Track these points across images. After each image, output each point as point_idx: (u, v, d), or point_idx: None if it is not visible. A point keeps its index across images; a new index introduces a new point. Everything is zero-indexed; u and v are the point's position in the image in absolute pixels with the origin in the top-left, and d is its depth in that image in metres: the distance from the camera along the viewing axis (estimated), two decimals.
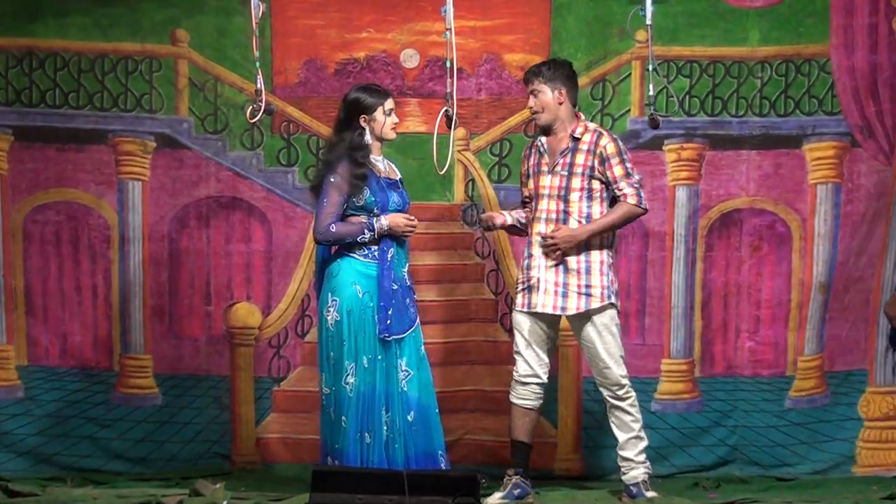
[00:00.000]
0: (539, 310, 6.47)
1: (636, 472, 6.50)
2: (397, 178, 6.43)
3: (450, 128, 6.47)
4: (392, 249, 6.26)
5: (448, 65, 6.42)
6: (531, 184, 6.55)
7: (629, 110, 7.46)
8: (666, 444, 7.40)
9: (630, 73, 7.45)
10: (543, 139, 6.55)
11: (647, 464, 6.53)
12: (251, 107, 6.42)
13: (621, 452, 6.52)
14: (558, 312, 6.47)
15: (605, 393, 6.51)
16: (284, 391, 7.53)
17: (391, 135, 6.35)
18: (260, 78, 6.42)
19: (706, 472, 7.33)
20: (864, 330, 7.48)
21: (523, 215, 6.66)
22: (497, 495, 6.52)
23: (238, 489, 6.70)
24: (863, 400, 7.48)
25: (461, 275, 7.53)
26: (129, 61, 7.47)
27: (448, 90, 6.44)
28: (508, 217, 6.64)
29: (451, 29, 6.42)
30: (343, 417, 6.16)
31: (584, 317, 6.45)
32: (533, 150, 6.59)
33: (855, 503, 6.57)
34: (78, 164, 7.47)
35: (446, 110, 6.45)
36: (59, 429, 7.40)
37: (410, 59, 7.51)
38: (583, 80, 7.39)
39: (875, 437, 7.45)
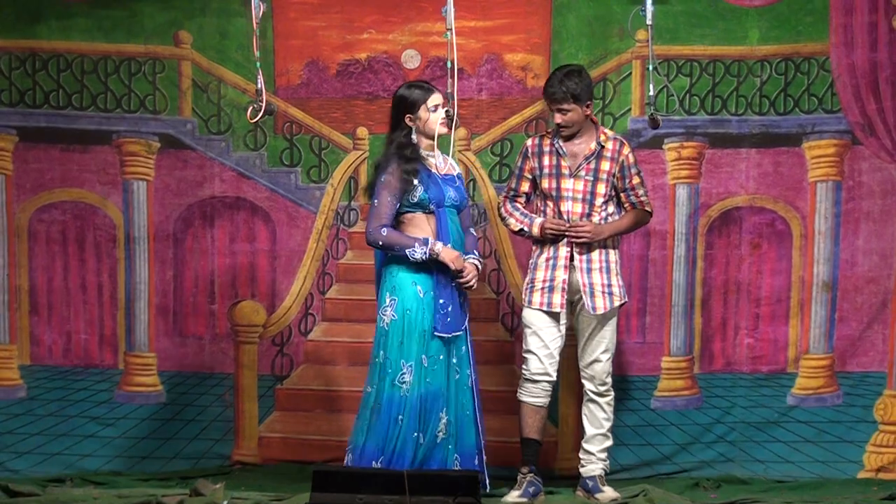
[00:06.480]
0: (558, 309, 6.53)
1: (594, 465, 6.59)
2: (455, 174, 6.47)
3: (451, 128, 6.49)
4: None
5: (449, 65, 6.43)
6: (545, 184, 6.58)
7: (630, 109, 7.46)
8: (666, 440, 7.40)
9: (630, 73, 7.46)
10: (560, 142, 6.58)
11: (607, 462, 6.61)
12: (252, 107, 6.46)
13: (585, 445, 6.61)
14: (591, 313, 6.55)
15: (588, 386, 6.62)
16: (287, 389, 7.56)
17: (441, 130, 6.37)
18: (260, 78, 6.44)
19: (706, 468, 7.33)
20: (882, 332, 7.44)
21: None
22: (514, 493, 6.57)
23: (238, 489, 6.72)
24: (879, 403, 7.43)
25: None
26: (133, 63, 7.50)
27: (449, 90, 6.45)
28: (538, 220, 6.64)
29: (451, 29, 6.43)
30: (400, 417, 6.18)
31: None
32: (547, 150, 6.61)
33: (855, 503, 6.61)
34: (83, 164, 7.50)
35: (447, 110, 6.46)
36: (62, 427, 7.43)
37: (411, 59, 7.52)
38: None
39: (888, 441, 7.38)
